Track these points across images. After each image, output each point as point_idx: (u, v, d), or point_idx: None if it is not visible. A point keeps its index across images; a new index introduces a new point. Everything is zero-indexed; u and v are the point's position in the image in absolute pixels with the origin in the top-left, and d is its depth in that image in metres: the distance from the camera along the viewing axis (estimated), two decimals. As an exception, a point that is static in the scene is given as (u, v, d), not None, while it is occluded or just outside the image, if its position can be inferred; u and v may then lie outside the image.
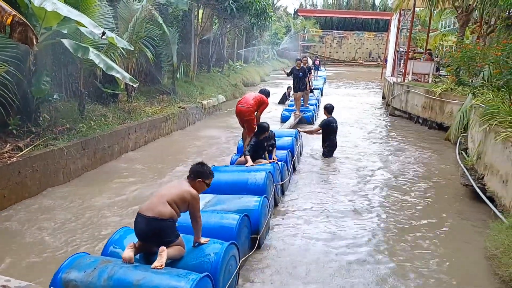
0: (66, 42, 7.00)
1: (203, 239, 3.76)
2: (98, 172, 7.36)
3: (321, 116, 11.50)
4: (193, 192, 3.66)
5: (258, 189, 5.43)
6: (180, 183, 3.77)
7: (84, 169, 7.22)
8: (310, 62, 15.93)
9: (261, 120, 7.51)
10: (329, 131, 8.98)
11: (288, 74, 13.02)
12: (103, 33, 6.25)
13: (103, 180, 6.95)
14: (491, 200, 5.96)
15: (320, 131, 9.06)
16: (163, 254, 3.42)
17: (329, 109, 9.18)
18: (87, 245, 4.78)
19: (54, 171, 6.48)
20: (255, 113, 7.43)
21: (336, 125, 9.09)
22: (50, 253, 4.60)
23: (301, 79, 12.60)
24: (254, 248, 4.65)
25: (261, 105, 7.57)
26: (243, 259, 4.24)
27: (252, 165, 6.46)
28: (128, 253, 3.44)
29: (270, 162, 6.68)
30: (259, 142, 6.86)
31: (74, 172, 6.94)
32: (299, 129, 9.20)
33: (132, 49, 8.08)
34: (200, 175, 3.81)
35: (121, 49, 8.55)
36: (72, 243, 4.82)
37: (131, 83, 7.53)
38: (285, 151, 7.42)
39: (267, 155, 6.94)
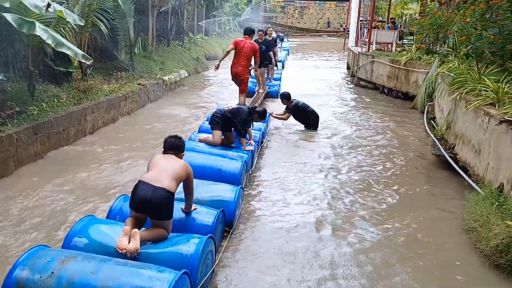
0: (9, 16, 6.29)
1: (194, 206, 4.05)
2: (53, 159, 6.79)
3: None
4: (190, 166, 3.84)
5: (233, 179, 5.17)
6: (171, 158, 3.82)
7: (38, 155, 6.65)
8: (274, 34, 15.41)
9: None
10: (300, 113, 8.78)
11: None
12: (48, 5, 5.64)
13: (60, 167, 6.42)
14: (464, 170, 5.92)
15: (291, 116, 8.82)
16: (136, 237, 3.25)
17: (287, 96, 8.92)
18: (45, 238, 4.36)
19: (3, 160, 5.89)
20: (254, 59, 8.76)
21: (302, 103, 8.88)
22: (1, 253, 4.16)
23: (264, 53, 11.51)
24: (228, 238, 4.41)
25: (254, 55, 8.62)
26: (218, 257, 3.99)
27: (251, 147, 6.39)
28: (124, 243, 3.24)
29: (246, 150, 6.31)
30: (246, 111, 6.46)
31: (26, 160, 6.37)
32: (271, 112, 8.92)
33: (83, 23, 7.42)
34: (182, 148, 4.02)
35: (72, 24, 7.87)
36: (27, 238, 4.36)
37: (84, 60, 6.93)
38: (258, 133, 7.31)
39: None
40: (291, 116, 8.90)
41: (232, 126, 6.30)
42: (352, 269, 3.98)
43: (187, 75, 14.78)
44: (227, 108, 6.47)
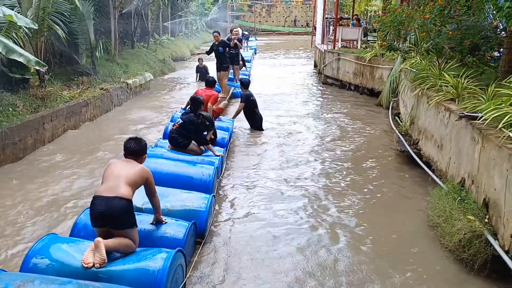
0: (-47, 22, 5.99)
1: (163, 218, 3.91)
2: (9, 171, 6.46)
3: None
4: (148, 169, 3.73)
5: (205, 186, 5.04)
6: (127, 163, 3.69)
7: (-8, 168, 6.34)
8: (240, 32, 15.26)
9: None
10: (252, 105, 8.71)
11: (208, 53, 11.46)
12: (-7, 10, 5.36)
13: (17, 180, 6.11)
14: (428, 165, 5.97)
15: (244, 105, 8.70)
16: (100, 246, 3.13)
17: (245, 83, 8.94)
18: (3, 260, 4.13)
19: (-47, 174, 5.60)
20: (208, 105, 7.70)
21: (254, 98, 8.84)
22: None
23: (222, 55, 11.00)
24: (199, 250, 4.27)
25: (210, 97, 7.88)
26: (189, 271, 3.85)
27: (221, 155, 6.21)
28: (90, 257, 3.15)
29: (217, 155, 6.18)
30: (194, 119, 6.17)
31: (-21, 173, 6.07)
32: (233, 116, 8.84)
33: (36, 27, 7.11)
34: (143, 151, 3.86)
35: (25, 28, 7.55)
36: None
37: (37, 67, 6.64)
38: (227, 134, 7.29)
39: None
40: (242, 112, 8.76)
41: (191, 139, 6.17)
42: (329, 266, 3.98)
43: (152, 77, 14.48)
44: (175, 126, 6.22)
